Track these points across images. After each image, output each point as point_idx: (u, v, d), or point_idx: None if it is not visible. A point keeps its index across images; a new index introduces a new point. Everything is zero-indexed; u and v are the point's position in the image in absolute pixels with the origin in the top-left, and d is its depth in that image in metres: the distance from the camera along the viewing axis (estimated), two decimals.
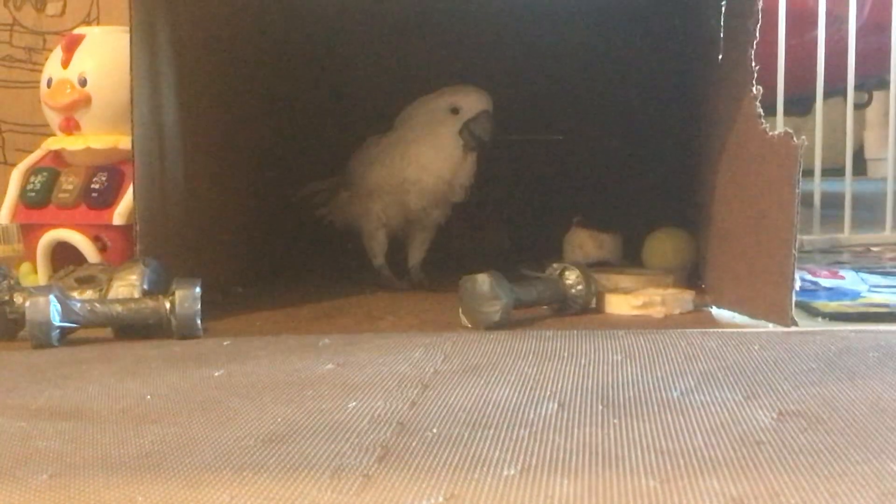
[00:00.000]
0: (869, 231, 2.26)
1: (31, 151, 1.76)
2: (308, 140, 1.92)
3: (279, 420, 0.93)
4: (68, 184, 1.62)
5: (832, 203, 2.28)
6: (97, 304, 1.31)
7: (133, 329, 1.32)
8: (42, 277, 1.62)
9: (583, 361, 1.12)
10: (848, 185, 2.25)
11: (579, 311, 1.43)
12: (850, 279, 1.72)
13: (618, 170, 1.97)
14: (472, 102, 1.62)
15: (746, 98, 1.39)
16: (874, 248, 2.16)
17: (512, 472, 0.77)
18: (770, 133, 1.34)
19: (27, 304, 1.27)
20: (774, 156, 1.33)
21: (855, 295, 1.58)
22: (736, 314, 1.41)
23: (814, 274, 1.76)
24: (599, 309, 1.46)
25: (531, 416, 0.92)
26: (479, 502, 0.71)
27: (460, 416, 0.93)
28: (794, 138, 1.29)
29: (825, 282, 1.69)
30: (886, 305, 1.47)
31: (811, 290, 1.61)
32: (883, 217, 2.24)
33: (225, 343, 1.27)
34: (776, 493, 0.71)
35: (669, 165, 1.87)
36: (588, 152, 1.99)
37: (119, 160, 1.61)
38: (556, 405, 0.95)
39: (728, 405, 0.94)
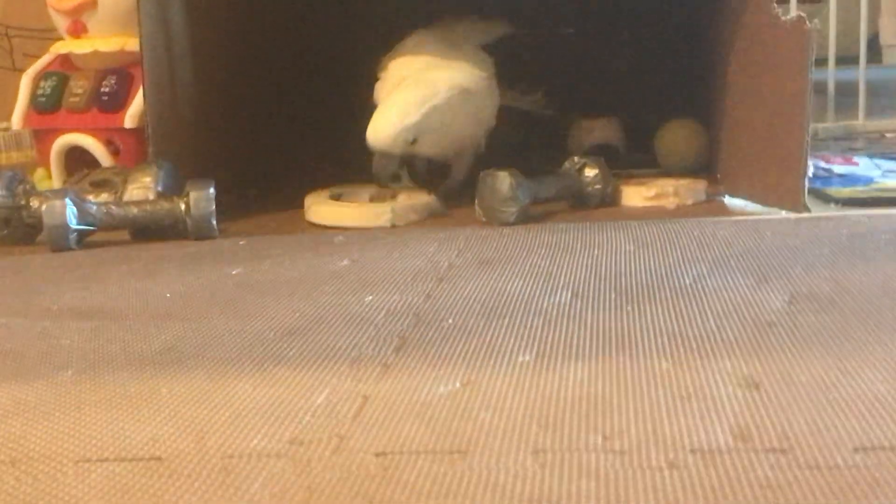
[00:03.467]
0: (884, 117, 2.25)
1: (39, 56, 1.76)
2: (322, 44, 1.90)
3: (297, 314, 0.94)
4: (78, 88, 1.63)
5: (846, 91, 2.26)
6: (113, 207, 1.32)
7: (149, 230, 1.33)
8: (56, 182, 1.63)
9: (595, 252, 1.13)
10: (862, 72, 2.23)
11: (596, 205, 1.44)
12: (863, 165, 1.72)
13: (629, 62, 1.95)
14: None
15: None
16: (889, 135, 2.15)
17: (526, 357, 0.79)
18: (783, 18, 1.33)
19: (43, 208, 1.29)
20: (787, 41, 1.32)
21: (868, 180, 1.58)
22: (749, 203, 1.42)
23: (827, 161, 1.75)
24: (614, 201, 1.46)
25: (545, 304, 0.93)
26: (494, 386, 0.73)
27: (475, 307, 0.94)
28: (807, 22, 1.29)
29: (839, 168, 1.69)
30: None
31: (824, 177, 1.61)
32: None
33: (241, 242, 1.28)
34: (787, 372, 0.73)
35: (681, 56, 1.86)
36: (599, 46, 1.96)
37: (127, 62, 1.62)
38: (569, 294, 0.96)
39: (740, 290, 0.95)
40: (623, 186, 1.47)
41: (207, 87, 1.54)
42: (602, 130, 1.79)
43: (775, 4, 1.35)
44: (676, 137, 1.76)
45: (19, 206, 1.35)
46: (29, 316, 1.00)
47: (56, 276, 1.18)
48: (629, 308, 0.91)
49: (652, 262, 1.07)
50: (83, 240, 1.31)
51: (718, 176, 1.58)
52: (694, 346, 0.80)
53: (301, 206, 1.47)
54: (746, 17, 1.44)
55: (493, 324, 0.88)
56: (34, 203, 1.35)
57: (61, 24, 1.64)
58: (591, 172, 1.44)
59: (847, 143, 2.04)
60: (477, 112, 1.52)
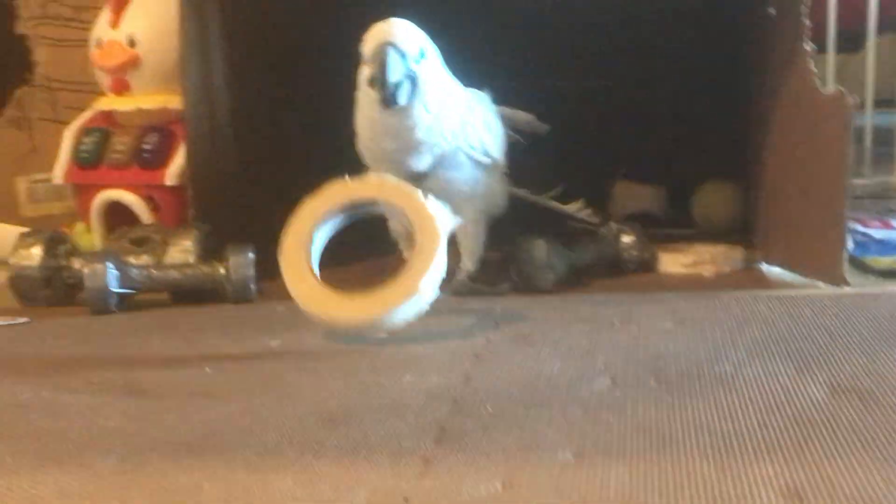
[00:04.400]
0: None
1: (81, 109, 1.78)
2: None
3: (338, 396, 0.95)
4: (120, 144, 1.64)
5: (884, 140, 2.24)
6: (154, 270, 1.33)
7: (189, 294, 1.34)
8: (97, 238, 1.64)
9: (634, 330, 1.13)
10: None
11: (633, 271, 1.44)
12: None
13: (667, 118, 1.94)
14: (370, 43, 1.20)
15: (799, 53, 1.38)
16: None
17: (567, 455, 0.79)
18: (823, 90, 1.33)
19: (85, 271, 1.30)
20: (827, 114, 1.32)
21: None
22: (786, 272, 1.41)
23: (864, 224, 1.74)
24: (651, 268, 1.46)
25: (584, 392, 0.93)
26: (535, 490, 0.73)
27: (514, 392, 0.94)
28: (847, 97, 1.29)
29: (876, 233, 1.68)
30: None
31: (862, 244, 1.59)
32: None
33: (279, 308, 1.28)
34: (830, 481, 0.72)
35: (720, 116, 1.85)
36: (637, 100, 1.96)
37: (169, 120, 1.62)
38: (608, 380, 0.96)
39: (780, 379, 0.94)
40: (661, 253, 1.47)
41: (248, 149, 1.55)
42: (644, 199, 1.79)
43: (816, 76, 1.35)
44: (714, 200, 1.76)
45: (60, 267, 1.37)
46: (72, 389, 1.01)
47: (97, 342, 1.19)
48: (669, 399, 0.91)
49: (691, 344, 1.07)
50: (124, 302, 1.32)
51: (755, 241, 1.57)
52: (735, 446, 0.79)
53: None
54: (788, 86, 1.43)
55: (532, 413, 0.88)
56: (75, 264, 1.37)
57: (104, 80, 1.66)
58: (628, 239, 1.44)
59: (884, 203, 2.02)
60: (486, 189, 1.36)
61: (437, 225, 1.11)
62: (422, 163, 1.24)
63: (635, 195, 1.80)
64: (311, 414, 0.90)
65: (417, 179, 1.22)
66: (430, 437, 0.84)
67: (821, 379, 0.94)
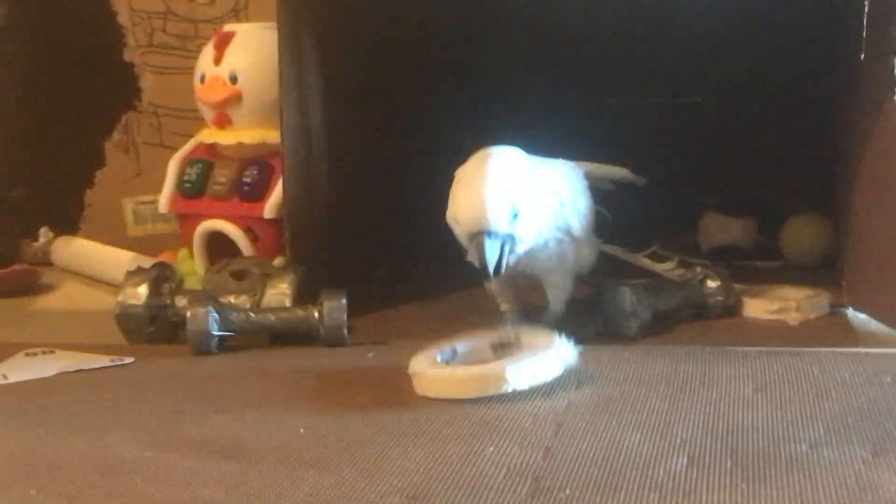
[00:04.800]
0: None
1: (185, 135, 1.85)
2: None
3: (422, 470, 0.98)
4: (221, 176, 1.70)
5: None
6: (251, 315, 1.39)
7: (286, 336, 1.39)
8: (199, 265, 1.71)
9: (714, 395, 1.14)
10: None
11: (717, 316, 1.45)
12: None
13: (758, 147, 1.94)
14: (462, 226, 1.21)
15: (888, 107, 1.38)
16: None
17: None
18: None
19: (188, 314, 1.36)
20: None
21: None
22: (874, 320, 1.42)
23: None
24: (736, 313, 1.47)
25: (661, 473, 0.95)
26: None
27: (592, 471, 0.96)
28: None
29: None
30: None
31: None
32: None
33: (369, 355, 1.33)
34: None
35: (812, 145, 1.85)
36: (727, 126, 1.96)
37: (267, 153, 1.68)
38: (685, 459, 0.98)
39: (854, 465, 0.95)
40: (745, 298, 1.49)
41: (342, 192, 1.60)
42: (734, 231, 1.80)
43: None
44: (804, 233, 1.77)
45: (164, 306, 1.43)
46: (175, 449, 1.06)
47: (199, 391, 1.23)
48: (744, 486, 0.92)
49: (769, 416, 1.08)
50: (223, 343, 1.37)
51: (843, 284, 1.57)
52: None
53: (427, 297, 1.52)
54: (876, 136, 1.43)
55: (608, 500, 0.91)
56: (179, 302, 1.43)
57: (207, 114, 1.72)
58: (713, 284, 1.46)
59: None
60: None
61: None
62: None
63: (724, 227, 1.81)
64: (395, 491, 0.94)
65: None
66: None
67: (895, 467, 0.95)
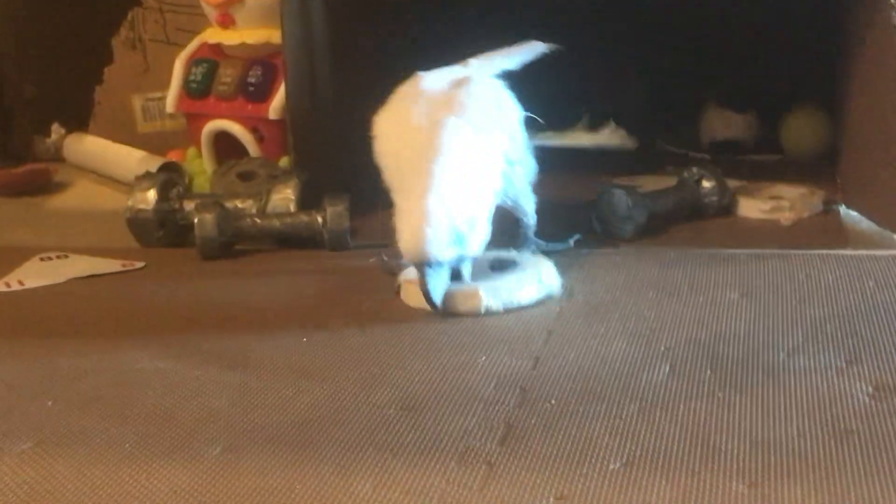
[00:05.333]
0: None
1: (190, 31, 1.86)
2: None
3: (416, 381, 1.02)
4: (226, 76, 1.72)
5: None
6: (257, 220, 1.43)
7: (289, 241, 1.43)
8: (207, 165, 1.74)
9: (700, 301, 1.18)
10: None
11: (712, 215, 1.49)
12: None
13: (758, 41, 1.94)
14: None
15: (884, 14, 1.39)
16: None
17: (616, 465, 0.86)
18: None
19: (195, 220, 1.40)
20: None
21: None
22: (863, 218, 1.45)
23: None
24: (730, 212, 1.50)
25: (643, 383, 1.00)
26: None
27: (577, 381, 1.01)
28: None
29: None
30: None
31: None
32: None
33: (371, 260, 1.37)
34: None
35: (812, 40, 1.85)
36: (727, 22, 1.95)
37: (272, 54, 1.70)
38: (667, 368, 1.03)
39: (828, 374, 0.99)
40: (740, 197, 1.52)
41: (345, 100, 1.61)
42: (734, 126, 1.81)
43: None
44: (802, 127, 1.79)
45: (173, 210, 1.47)
46: (185, 358, 1.11)
47: (208, 297, 1.28)
48: (721, 394, 0.97)
49: (751, 324, 1.12)
50: (230, 248, 1.42)
51: (838, 181, 1.60)
52: (772, 460, 0.85)
53: None
54: (872, 37, 1.44)
55: (591, 410, 0.95)
56: (187, 206, 1.47)
57: (211, 14, 1.73)
58: (708, 184, 1.49)
59: None
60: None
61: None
62: None
63: (725, 122, 1.83)
64: (392, 402, 0.99)
65: None
66: (496, 436, 0.92)
67: (867, 373, 0.99)
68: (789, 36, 1.86)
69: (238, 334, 1.17)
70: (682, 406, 0.95)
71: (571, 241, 1.38)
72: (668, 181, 1.53)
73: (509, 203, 1.29)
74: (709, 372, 1.02)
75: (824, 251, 1.33)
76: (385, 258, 1.31)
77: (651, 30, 1.93)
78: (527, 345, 1.10)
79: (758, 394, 0.97)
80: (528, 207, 1.32)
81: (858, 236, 1.39)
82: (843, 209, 1.50)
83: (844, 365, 1.02)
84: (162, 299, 1.29)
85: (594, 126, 1.52)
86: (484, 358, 1.07)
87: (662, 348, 1.07)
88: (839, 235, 1.41)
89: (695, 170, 1.50)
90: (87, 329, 1.18)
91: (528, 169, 1.31)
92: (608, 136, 1.51)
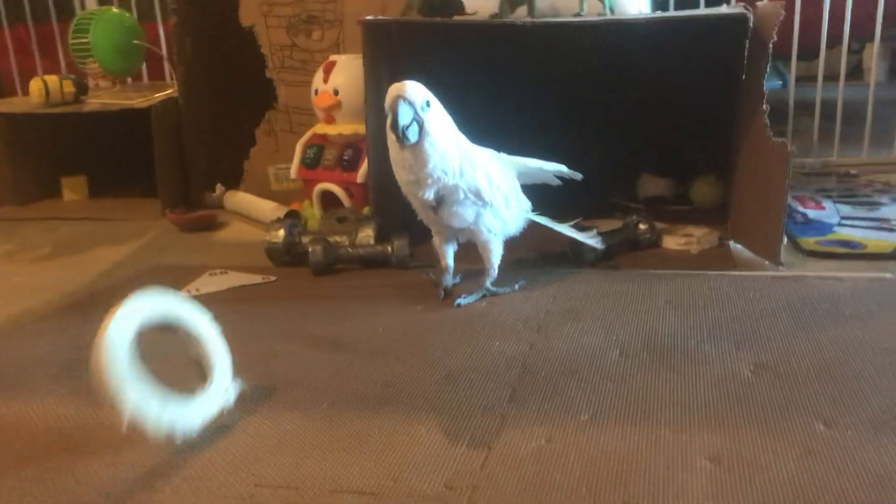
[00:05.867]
0: (851, 153, 2.14)
1: (307, 125, 1.86)
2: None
3: (455, 357, 1.02)
4: (330, 155, 1.72)
5: (830, 114, 2.12)
6: (349, 249, 1.43)
7: (370, 263, 1.43)
8: (316, 212, 1.74)
9: (639, 307, 1.17)
10: (839, 122, 2.12)
11: (645, 247, 1.47)
12: (828, 210, 1.68)
13: (676, 130, 1.92)
14: (388, 97, 1.12)
15: (759, 112, 1.38)
16: (853, 171, 2.06)
17: (585, 417, 0.86)
18: (771, 140, 1.33)
19: (309, 249, 1.40)
20: (775, 156, 1.32)
21: (827, 229, 1.55)
22: (745, 250, 1.43)
23: (803, 204, 1.72)
24: (657, 245, 1.49)
25: (602, 362, 0.99)
26: (564, 444, 0.81)
27: (560, 360, 1.00)
28: (788, 146, 1.29)
29: (810, 212, 1.66)
30: (847, 244, 1.45)
31: (801, 224, 1.58)
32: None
33: (423, 277, 1.37)
34: (739, 447, 0.78)
35: (710, 126, 1.83)
36: (656, 117, 1.94)
37: (359, 140, 1.69)
38: (618, 352, 1.02)
39: (723, 357, 0.99)
40: (664, 235, 1.50)
41: None
42: (660, 186, 1.80)
43: (768, 129, 1.35)
44: (705, 188, 1.76)
45: (296, 243, 1.47)
46: (301, 343, 1.10)
47: (316, 301, 1.27)
48: (654, 369, 0.96)
49: (674, 322, 1.10)
50: (332, 268, 1.42)
51: (727, 224, 1.58)
52: (688, 416, 0.85)
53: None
54: (752, 129, 1.43)
55: (569, 380, 0.95)
56: (304, 240, 1.47)
57: (320, 115, 1.74)
58: (643, 226, 1.47)
59: (821, 181, 1.97)
60: None
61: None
62: (429, 193, 1.15)
63: (654, 184, 1.81)
64: (438, 371, 0.99)
65: (433, 209, 1.17)
66: (506, 397, 0.92)
67: (749, 357, 0.98)
68: (697, 126, 1.85)
69: (337, 326, 1.16)
70: (629, 378, 0.95)
71: (517, 286, 1.25)
72: (615, 224, 1.51)
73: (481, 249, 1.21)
74: (646, 354, 1.01)
75: (721, 272, 1.31)
76: (431, 274, 1.31)
77: (608, 122, 1.92)
78: (525, 335, 1.09)
79: (679, 370, 0.96)
80: (494, 259, 1.22)
81: (743, 262, 1.38)
82: (732, 243, 1.48)
83: (734, 349, 1.01)
84: (288, 303, 1.29)
85: (582, 228, 1.35)
86: (498, 343, 1.07)
87: (615, 339, 1.06)
88: (730, 261, 1.39)
89: (634, 216, 1.49)
90: (239, 324, 1.18)
91: (508, 219, 1.23)
92: (587, 234, 1.34)
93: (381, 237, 1.45)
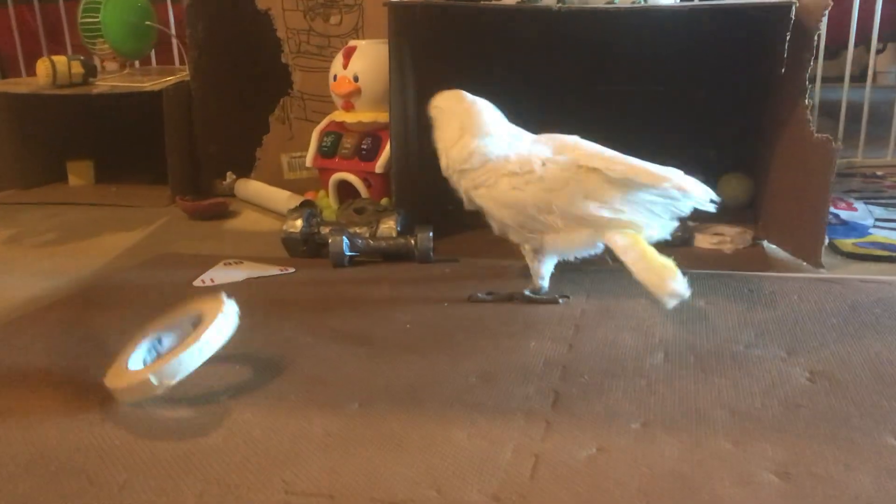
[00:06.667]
0: (877, 154, 2.08)
1: (322, 112, 1.80)
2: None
3: (488, 359, 0.96)
4: (347, 143, 1.66)
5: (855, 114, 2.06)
6: (371, 241, 1.37)
7: (392, 256, 1.37)
8: (333, 202, 1.68)
9: (678, 308, 1.09)
10: (866, 112, 2.05)
11: (678, 245, 1.41)
12: (861, 211, 1.63)
13: (705, 127, 1.86)
14: None
15: (800, 107, 1.32)
16: (879, 172, 2.01)
17: (636, 426, 0.80)
18: (815, 136, 1.28)
19: (329, 241, 1.34)
20: (817, 152, 1.26)
21: (863, 231, 1.50)
22: (781, 250, 1.37)
23: (835, 205, 1.67)
24: (690, 243, 1.43)
25: (647, 365, 0.94)
26: (618, 453, 0.75)
27: (601, 362, 0.95)
28: (832, 143, 1.23)
29: (843, 214, 1.61)
30: (886, 247, 1.40)
31: (833, 225, 1.53)
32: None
33: (446, 270, 1.31)
34: (806, 461, 0.72)
35: (740, 124, 1.78)
36: (686, 108, 1.87)
37: (378, 129, 1.64)
38: (663, 355, 0.96)
39: (775, 362, 0.93)
40: (696, 233, 1.44)
41: (427, 155, 1.55)
42: None
43: (810, 123, 1.29)
44: (733, 186, 1.70)
45: (314, 233, 1.41)
46: (326, 336, 1.04)
47: (338, 292, 1.21)
48: (703, 375, 0.91)
49: (717, 323, 1.05)
50: (352, 260, 1.36)
51: (759, 223, 1.53)
52: (746, 425, 0.79)
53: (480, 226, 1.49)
54: (790, 125, 1.37)
55: (613, 384, 0.89)
56: (323, 230, 1.41)
57: (338, 101, 1.67)
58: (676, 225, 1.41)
59: (846, 182, 1.91)
60: None
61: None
62: None
63: None
64: (473, 372, 0.93)
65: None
66: (549, 401, 0.86)
67: (803, 362, 0.93)
68: (727, 123, 1.79)
69: (361, 320, 1.10)
70: (676, 383, 0.89)
71: (560, 300, 1.14)
72: None
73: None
74: (692, 358, 0.95)
75: (759, 273, 1.26)
76: (482, 295, 1.15)
77: (633, 114, 1.86)
78: (562, 334, 1.03)
79: (729, 375, 0.90)
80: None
81: (778, 263, 1.32)
82: (765, 243, 1.42)
83: (786, 355, 0.95)
84: (309, 295, 1.23)
85: None
86: (533, 343, 1.01)
87: (657, 340, 1.01)
88: (765, 262, 1.33)
89: None
90: (258, 314, 1.12)
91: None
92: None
93: (404, 230, 1.39)
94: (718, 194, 1.70)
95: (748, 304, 1.12)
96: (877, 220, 1.57)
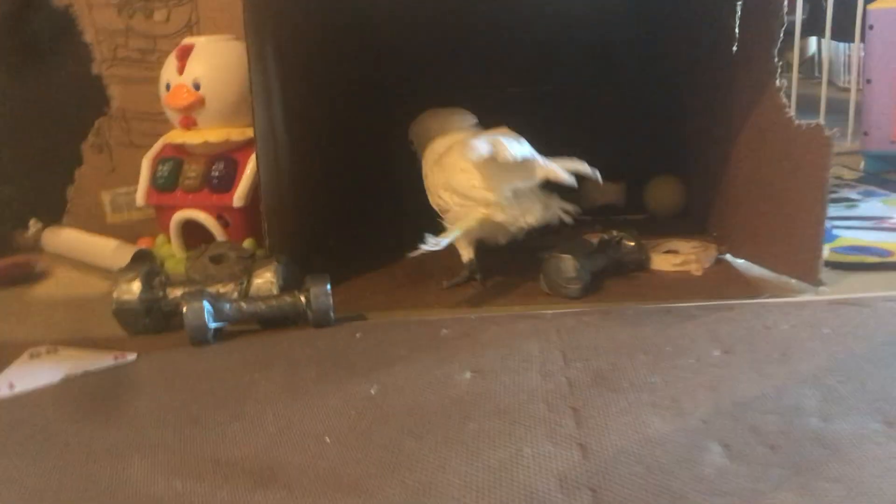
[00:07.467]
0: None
1: (153, 134, 1.39)
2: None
3: (474, 487, 0.63)
4: (192, 171, 1.27)
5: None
6: (243, 304, 0.99)
7: (274, 323, 1.00)
8: (176, 250, 1.28)
9: (690, 361, 0.82)
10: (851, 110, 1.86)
11: (632, 270, 1.13)
12: None
13: (618, 123, 1.61)
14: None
15: (770, 90, 1.07)
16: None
17: None
18: (798, 123, 1.03)
19: (184, 310, 0.95)
20: (804, 143, 1.02)
21: (830, 235, 1.28)
22: (753, 264, 1.13)
23: None
24: (646, 266, 1.15)
25: (707, 470, 0.63)
26: None
27: (645, 473, 0.63)
28: (826, 131, 0.99)
29: None
30: (867, 251, 1.18)
31: None
32: None
33: (357, 335, 0.96)
34: None
35: (660, 122, 1.53)
36: (599, 110, 1.61)
37: (231, 149, 1.26)
38: (719, 447, 0.66)
39: (872, 435, 0.65)
40: (653, 254, 1.17)
41: (302, 180, 1.19)
42: (609, 193, 1.47)
43: (788, 109, 1.05)
44: (663, 192, 1.46)
45: (158, 298, 1.01)
46: (201, 476, 0.67)
47: (208, 390, 0.84)
48: (787, 473, 0.61)
49: (757, 383, 0.77)
50: (218, 332, 0.97)
51: (715, 234, 1.28)
52: None
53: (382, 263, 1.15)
54: (757, 115, 1.13)
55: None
56: (171, 293, 1.01)
57: (174, 118, 1.28)
58: (629, 244, 1.14)
59: None
60: None
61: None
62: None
63: (602, 190, 1.48)
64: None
65: None
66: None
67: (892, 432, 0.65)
68: (647, 120, 1.54)
69: (254, 437, 0.73)
70: (763, 498, 0.58)
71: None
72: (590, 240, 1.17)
73: None
74: (760, 448, 0.65)
75: (755, 300, 0.99)
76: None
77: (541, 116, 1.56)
78: (561, 428, 0.71)
79: (833, 474, 0.61)
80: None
81: (764, 283, 1.07)
82: (728, 257, 1.17)
83: (877, 421, 0.67)
84: (163, 396, 0.84)
85: None
86: (528, 449, 0.68)
87: (698, 421, 0.70)
88: (747, 283, 1.08)
89: (615, 232, 1.15)
90: (89, 445, 0.72)
91: None
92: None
93: (288, 283, 1.02)
94: (648, 204, 1.49)
95: (774, 347, 0.85)
96: (828, 218, 1.37)
